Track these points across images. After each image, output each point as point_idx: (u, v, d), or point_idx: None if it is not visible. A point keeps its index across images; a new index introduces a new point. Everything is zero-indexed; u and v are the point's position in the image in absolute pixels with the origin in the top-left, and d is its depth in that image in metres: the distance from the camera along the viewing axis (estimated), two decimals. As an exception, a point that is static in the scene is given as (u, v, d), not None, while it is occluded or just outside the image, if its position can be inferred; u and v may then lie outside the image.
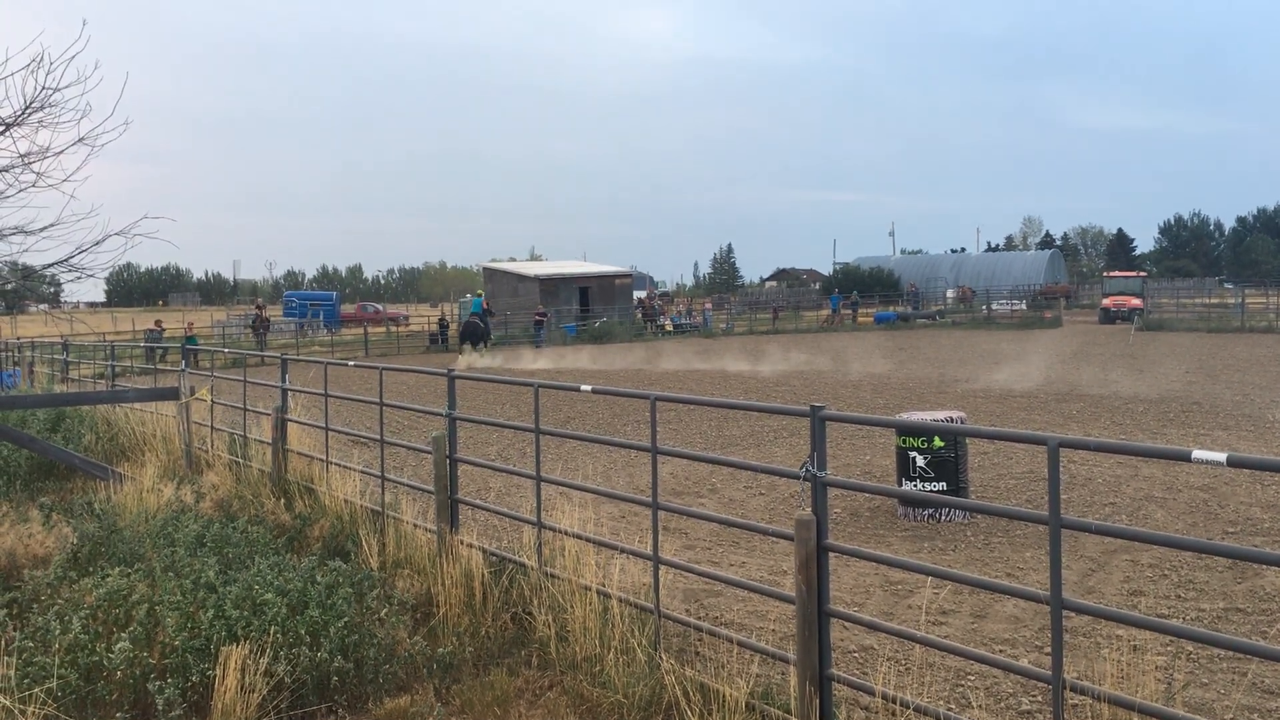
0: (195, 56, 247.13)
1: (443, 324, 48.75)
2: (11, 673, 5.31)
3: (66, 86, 8.45)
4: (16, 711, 5.07)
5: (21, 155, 8.73)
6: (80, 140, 8.70)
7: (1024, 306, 64.35)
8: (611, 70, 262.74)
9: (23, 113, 8.54)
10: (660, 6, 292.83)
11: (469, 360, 36.59)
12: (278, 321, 56.80)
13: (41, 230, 8.80)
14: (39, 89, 8.39)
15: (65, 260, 9.07)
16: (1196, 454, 3.74)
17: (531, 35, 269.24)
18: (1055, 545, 4.17)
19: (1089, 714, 4.40)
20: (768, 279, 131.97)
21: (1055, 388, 22.30)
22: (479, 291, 52.17)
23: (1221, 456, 3.67)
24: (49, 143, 8.76)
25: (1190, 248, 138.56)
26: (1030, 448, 13.32)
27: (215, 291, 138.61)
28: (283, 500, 9.98)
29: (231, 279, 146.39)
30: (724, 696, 5.04)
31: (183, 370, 12.92)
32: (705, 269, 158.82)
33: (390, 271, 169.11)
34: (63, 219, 8.81)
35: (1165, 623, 5.66)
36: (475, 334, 40.66)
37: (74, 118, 8.62)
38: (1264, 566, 8.00)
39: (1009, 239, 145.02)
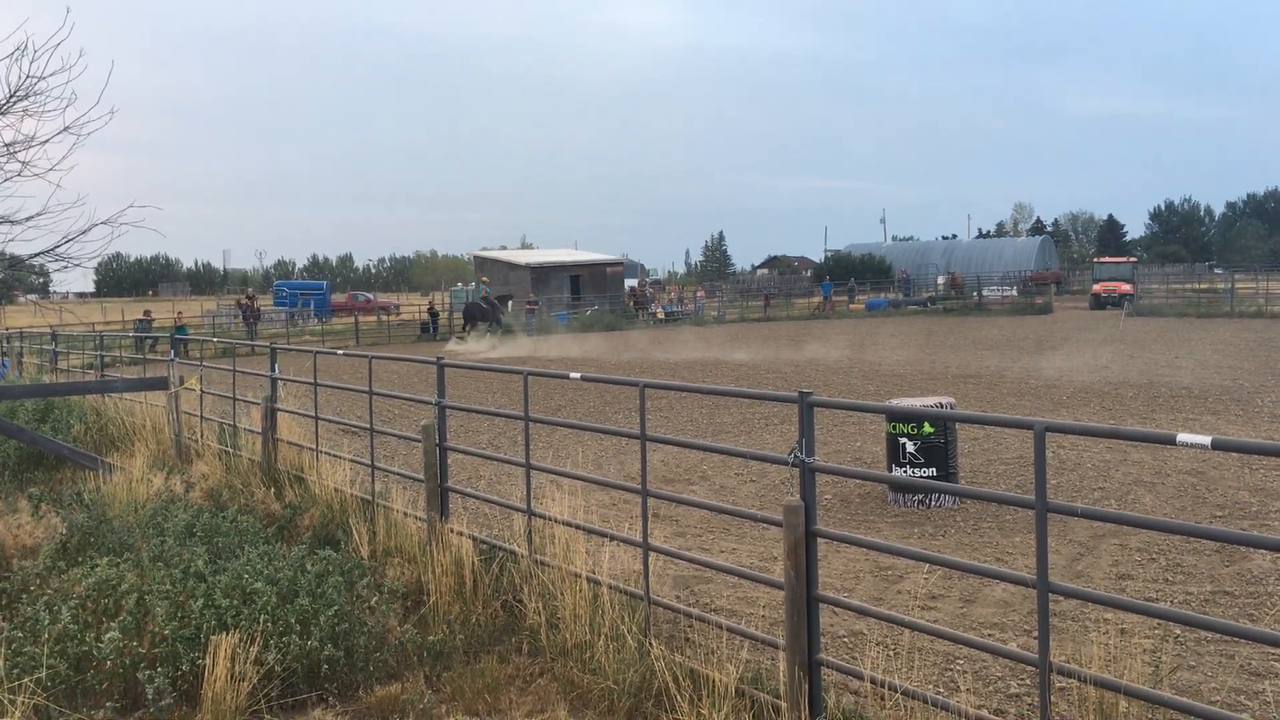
0: (183, 44, 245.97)
1: (433, 313, 48.74)
2: (0, 663, 5.31)
3: (51, 74, 8.41)
4: (6, 702, 5.07)
5: (6, 144, 8.69)
6: (66, 129, 8.66)
7: (1015, 292, 64.45)
8: (604, 58, 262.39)
9: (7, 101, 8.49)
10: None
11: (474, 341, 37.29)
12: (268, 311, 56.66)
13: (28, 220, 8.76)
14: (23, 77, 8.36)
15: (52, 250, 9.02)
16: (1182, 437, 3.75)
17: (524, 23, 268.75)
18: (1041, 529, 4.19)
19: (1076, 697, 4.42)
20: (759, 266, 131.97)
21: (1044, 373, 22.36)
22: (483, 279, 53.73)
23: (1206, 440, 3.68)
24: (34, 131, 8.73)
25: (1180, 233, 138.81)
26: (1020, 433, 13.37)
27: (205, 281, 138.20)
28: (273, 489, 9.97)
29: (221, 269, 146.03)
30: (714, 682, 5.06)
31: (172, 360, 12.90)
32: (697, 257, 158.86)
33: (381, 261, 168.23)
34: (49, 208, 8.77)
35: (1153, 606, 5.69)
36: (478, 313, 41.45)
37: (59, 106, 8.59)
38: (1252, 549, 8.05)
39: (1000, 225, 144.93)
